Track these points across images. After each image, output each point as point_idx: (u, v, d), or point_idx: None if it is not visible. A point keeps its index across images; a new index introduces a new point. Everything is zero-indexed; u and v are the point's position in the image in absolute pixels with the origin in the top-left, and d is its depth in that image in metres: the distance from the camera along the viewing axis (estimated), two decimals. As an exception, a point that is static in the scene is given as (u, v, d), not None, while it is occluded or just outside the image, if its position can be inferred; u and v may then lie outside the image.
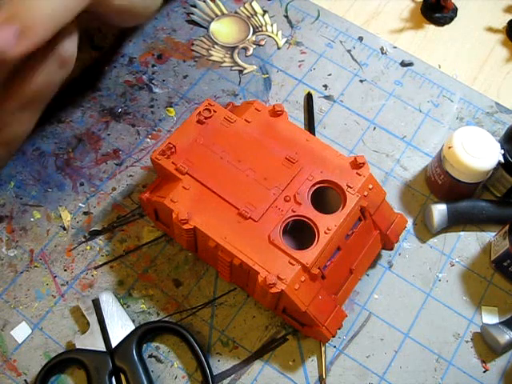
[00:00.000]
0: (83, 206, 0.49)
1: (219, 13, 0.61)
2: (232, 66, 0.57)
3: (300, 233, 0.44)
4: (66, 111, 0.53)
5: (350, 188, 0.43)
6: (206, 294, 0.47)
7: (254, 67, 0.57)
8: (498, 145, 0.48)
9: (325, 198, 0.44)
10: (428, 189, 0.52)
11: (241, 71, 0.57)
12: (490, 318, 0.47)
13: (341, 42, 0.60)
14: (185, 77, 0.56)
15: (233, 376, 0.44)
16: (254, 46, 0.59)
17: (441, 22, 0.62)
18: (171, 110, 0.54)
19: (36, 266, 0.47)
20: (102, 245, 0.48)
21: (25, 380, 0.43)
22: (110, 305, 0.44)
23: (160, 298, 0.46)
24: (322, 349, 0.45)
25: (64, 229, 0.48)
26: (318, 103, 0.56)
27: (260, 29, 0.60)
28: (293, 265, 0.40)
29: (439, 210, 0.49)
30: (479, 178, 0.48)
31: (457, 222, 0.50)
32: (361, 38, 0.60)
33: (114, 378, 0.42)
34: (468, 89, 0.58)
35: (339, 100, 0.56)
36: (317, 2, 0.62)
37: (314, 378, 0.44)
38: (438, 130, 0.55)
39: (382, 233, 0.46)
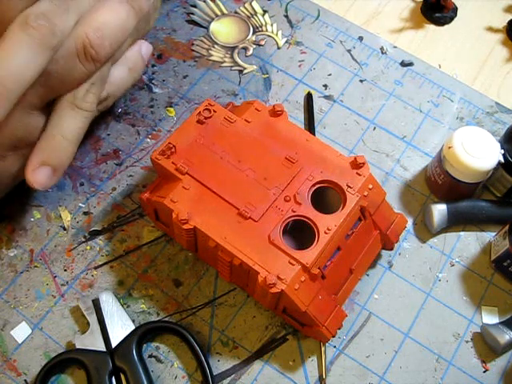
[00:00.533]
0: (83, 206, 0.49)
1: (219, 13, 0.61)
2: (232, 66, 0.57)
3: (300, 233, 0.44)
4: (65, 111, 0.53)
5: (350, 188, 0.43)
6: (206, 293, 0.47)
7: (254, 67, 0.57)
8: (498, 145, 0.48)
9: (325, 197, 0.44)
10: (428, 189, 0.52)
11: (241, 71, 0.57)
12: (490, 318, 0.47)
13: (341, 41, 0.60)
14: (185, 77, 0.56)
15: (233, 376, 0.44)
16: (254, 46, 0.59)
17: (441, 22, 0.62)
18: (171, 109, 0.54)
19: (36, 266, 0.47)
20: (102, 245, 0.48)
21: (25, 380, 0.43)
22: (110, 305, 0.44)
23: (160, 298, 0.46)
24: (322, 349, 0.45)
25: (64, 229, 0.48)
26: (318, 103, 0.56)
27: (260, 29, 0.60)
28: (293, 265, 0.40)
29: (439, 210, 0.49)
30: (479, 178, 0.48)
31: (457, 221, 0.50)
32: (361, 38, 0.60)
33: (114, 378, 0.42)
34: (468, 89, 0.58)
35: (339, 100, 0.56)
36: (317, 1, 0.62)
37: (314, 377, 0.44)
38: (438, 130, 0.55)
39: (382, 233, 0.46)
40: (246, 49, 0.59)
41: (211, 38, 0.59)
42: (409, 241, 0.50)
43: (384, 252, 0.49)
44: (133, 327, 0.44)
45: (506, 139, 0.50)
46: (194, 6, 0.61)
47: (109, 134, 0.53)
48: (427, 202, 0.52)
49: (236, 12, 0.61)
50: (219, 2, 0.61)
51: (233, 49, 0.59)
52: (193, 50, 0.58)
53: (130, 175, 0.51)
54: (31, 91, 0.38)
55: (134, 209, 0.50)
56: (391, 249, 0.48)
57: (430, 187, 0.52)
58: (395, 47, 0.60)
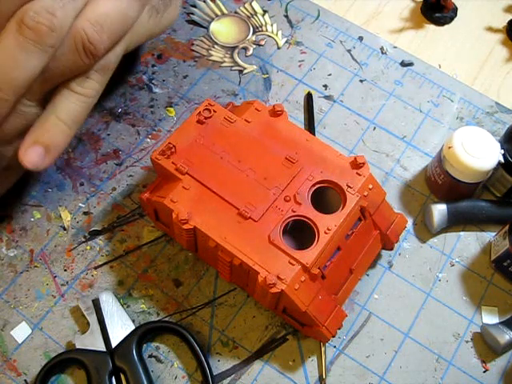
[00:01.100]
0: (83, 206, 0.49)
1: (219, 13, 0.61)
2: (232, 66, 0.57)
3: (300, 233, 0.44)
4: (65, 111, 0.53)
5: (350, 188, 0.43)
6: (206, 293, 0.47)
7: (254, 67, 0.57)
8: (498, 145, 0.48)
9: (325, 197, 0.44)
10: (428, 189, 0.52)
11: (241, 71, 0.57)
12: (490, 318, 0.47)
13: (341, 41, 0.60)
14: (185, 77, 0.56)
15: (233, 376, 0.44)
16: (254, 46, 0.59)
17: (441, 22, 0.62)
18: (171, 109, 0.54)
19: (36, 266, 0.47)
20: (102, 245, 0.48)
21: (25, 380, 0.43)
22: (110, 305, 0.44)
23: (160, 298, 0.46)
24: (322, 349, 0.45)
25: (64, 229, 0.48)
26: (318, 103, 0.56)
27: (260, 29, 0.60)
28: (293, 265, 0.40)
29: (439, 210, 0.49)
30: (479, 178, 0.48)
31: (457, 221, 0.50)
32: (361, 38, 0.60)
33: (114, 377, 0.42)
34: (468, 89, 0.58)
35: (339, 100, 0.56)
36: (317, 1, 0.62)
37: (314, 377, 0.44)
38: (438, 130, 0.55)
39: (382, 233, 0.46)
40: (246, 49, 0.59)
41: (211, 37, 0.59)
42: (409, 241, 0.50)
43: (384, 252, 0.49)
44: (133, 327, 0.44)
45: (506, 139, 0.50)
46: (194, 6, 0.61)
47: (109, 134, 0.53)
48: (427, 202, 0.52)
49: (236, 12, 0.61)
50: (219, 2, 0.61)
51: (233, 49, 0.59)
52: (193, 50, 0.58)
53: (130, 175, 0.51)
54: (30, 85, 0.38)
55: (134, 209, 0.50)
56: (391, 249, 0.48)
57: (430, 187, 0.52)
58: (395, 47, 0.60)
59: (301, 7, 0.61)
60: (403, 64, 0.59)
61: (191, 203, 0.42)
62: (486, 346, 0.46)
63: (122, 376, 0.42)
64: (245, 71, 0.57)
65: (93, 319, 0.44)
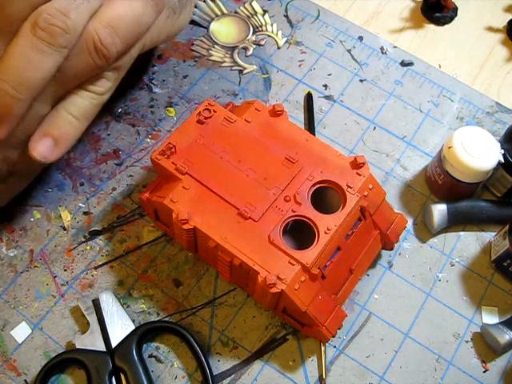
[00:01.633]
0: (83, 206, 0.49)
1: (219, 13, 0.61)
2: (232, 66, 0.57)
3: (300, 233, 0.44)
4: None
5: (350, 188, 0.43)
6: (206, 293, 0.47)
7: (254, 67, 0.57)
8: (498, 145, 0.48)
9: (325, 198, 0.44)
10: (428, 189, 0.52)
11: (241, 71, 0.57)
12: (490, 318, 0.47)
13: (341, 41, 0.60)
14: (185, 77, 0.56)
15: (233, 376, 0.44)
16: (254, 46, 0.59)
17: (441, 22, 0.62)
18: (171, 110, 0.54)
19: (36, 266, 0.47)
20: (102, 245, 0.48)
21: (25, 380, 0.43)
22: (110, 305, 0.44)
23: (160, 298, 0.46)
24: (322, 349, 0.45)
25: (64, 229, 0.48)
26: (318, 103, 0.56)
27: (260, 28, 0.60)
28: (293, 265, 0.40)
29: (439, 210, 0.49)
30: (479, 177, 0.48)
31: (457, 222, 0.50)
32: (361, 38, 0.60)
33: (114, 378, 0.42)
34: (468, 88, 0.58)
35: (339, 100, 0.56)
36: (317, 1, 0.62)
37: (314, 378, 0.44)
38: (438, 130, 0.55)
39: (382, 233, 0.46)
40: (246, 49, 0.59)
41: (211, 37, 0.59)
42: (409, 241, 0.50)
43: (384, 252, 0.49)
44: (133, 327, 0.44)
45: (506, 139, 0.50)
46: (194, 6, 0.61)
47: (109, 134, 0.53)
48: (427, 202, 0.52)
49: (236, 12, 0.61)
50: (219, 2, 0.61)
51: (233, 49, 0.58)
52: (193, 50, 0.58)
53: (130, 175, 0.51)
54: (45, 87, 0.38)
55: (134, 209, 0.50)
56: (391, 249, 0.48)
57: (430, 187, 0.52)
58: (395, 47, 0.60)
59: (301, 7, 0.61)
60: (403, 64, 0.59)
61: (191, 203, 0.42)
62: (485, 346, 0.46)
63: (122, 376, 0.42)
64: (245, 71, 0.57)
65: (93, 319, 0.44)
